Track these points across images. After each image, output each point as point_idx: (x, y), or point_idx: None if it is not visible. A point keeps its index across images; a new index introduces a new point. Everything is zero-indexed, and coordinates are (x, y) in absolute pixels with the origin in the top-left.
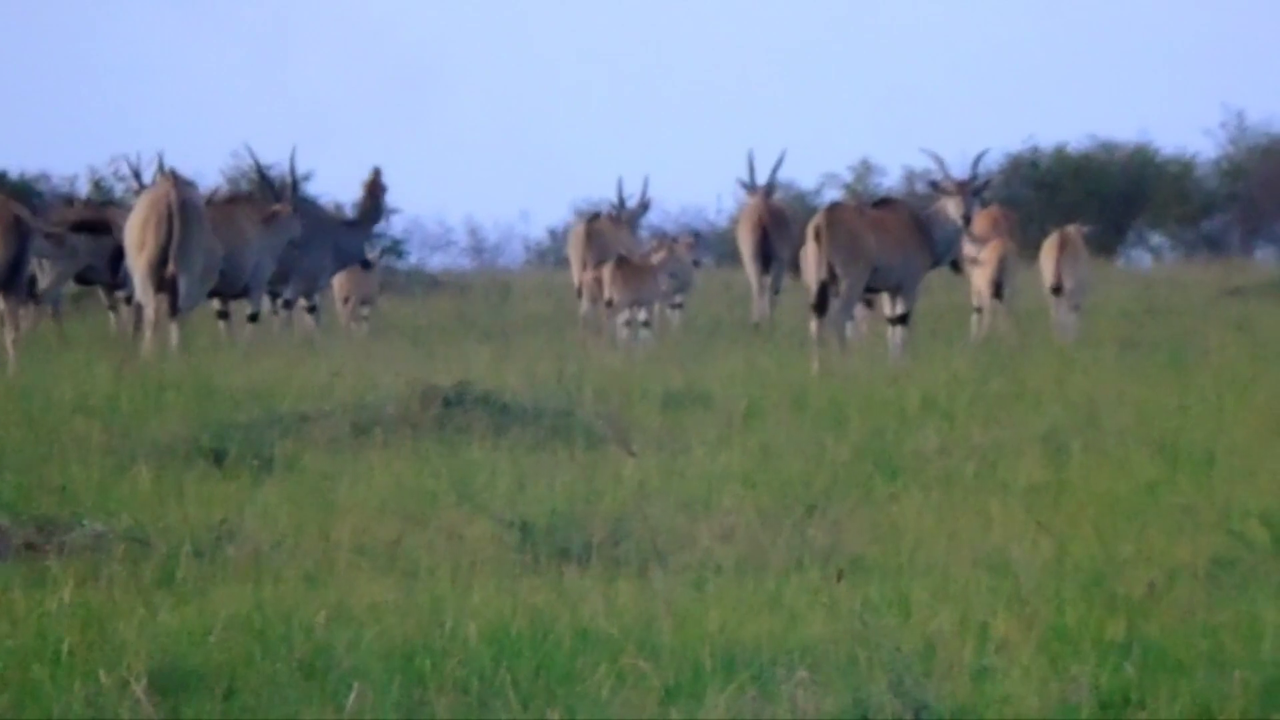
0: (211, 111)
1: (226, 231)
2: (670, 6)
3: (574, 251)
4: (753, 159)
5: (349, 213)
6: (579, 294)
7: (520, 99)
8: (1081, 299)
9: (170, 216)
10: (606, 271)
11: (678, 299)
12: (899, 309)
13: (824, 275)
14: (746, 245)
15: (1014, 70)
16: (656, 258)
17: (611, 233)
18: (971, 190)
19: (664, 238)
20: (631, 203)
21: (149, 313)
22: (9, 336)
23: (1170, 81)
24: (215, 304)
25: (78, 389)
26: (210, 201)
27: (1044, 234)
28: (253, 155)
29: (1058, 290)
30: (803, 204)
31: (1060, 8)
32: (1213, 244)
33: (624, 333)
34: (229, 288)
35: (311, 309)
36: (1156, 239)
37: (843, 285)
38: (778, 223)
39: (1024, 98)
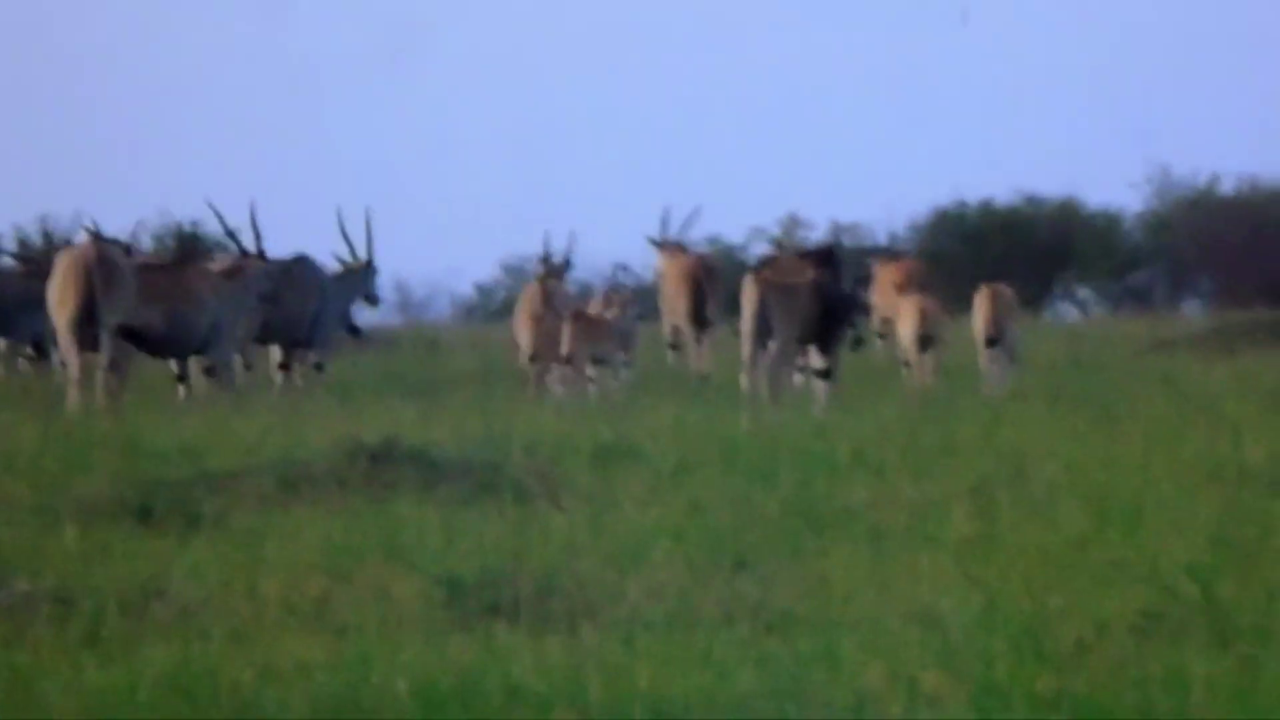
0: (135, 171)
1: (176, 294)
2: (593, 61)
3: (525, 306)
4: (667, 214)
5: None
6: (528, 349)
7: (445, 154)
8: (1014, 353)
9: (88, 274)
10: (566, 326)
11: (624, 356)
12: (823, 363)
13: (758, 328)
14: (680, 300)
15: (940, 125)
16: (610, 312)
17: (562, 289)
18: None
19: (613, 291)
20: (556, 259)
21: (73, 371)
22: None
23: (1096, 136)
24: (173, 365)
25: (2, 447)
26: (143, 262)
27: (972, 288)
28: (216, 213)
29: (992, 343)
30: (730, 258)
31: (984, 63)
32: (1139, 297)
33: (559, 389)
34: (182, 350)
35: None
36: (1083, 292)
37: (779, 338)
38: (710, 277)
39: (950, 152)
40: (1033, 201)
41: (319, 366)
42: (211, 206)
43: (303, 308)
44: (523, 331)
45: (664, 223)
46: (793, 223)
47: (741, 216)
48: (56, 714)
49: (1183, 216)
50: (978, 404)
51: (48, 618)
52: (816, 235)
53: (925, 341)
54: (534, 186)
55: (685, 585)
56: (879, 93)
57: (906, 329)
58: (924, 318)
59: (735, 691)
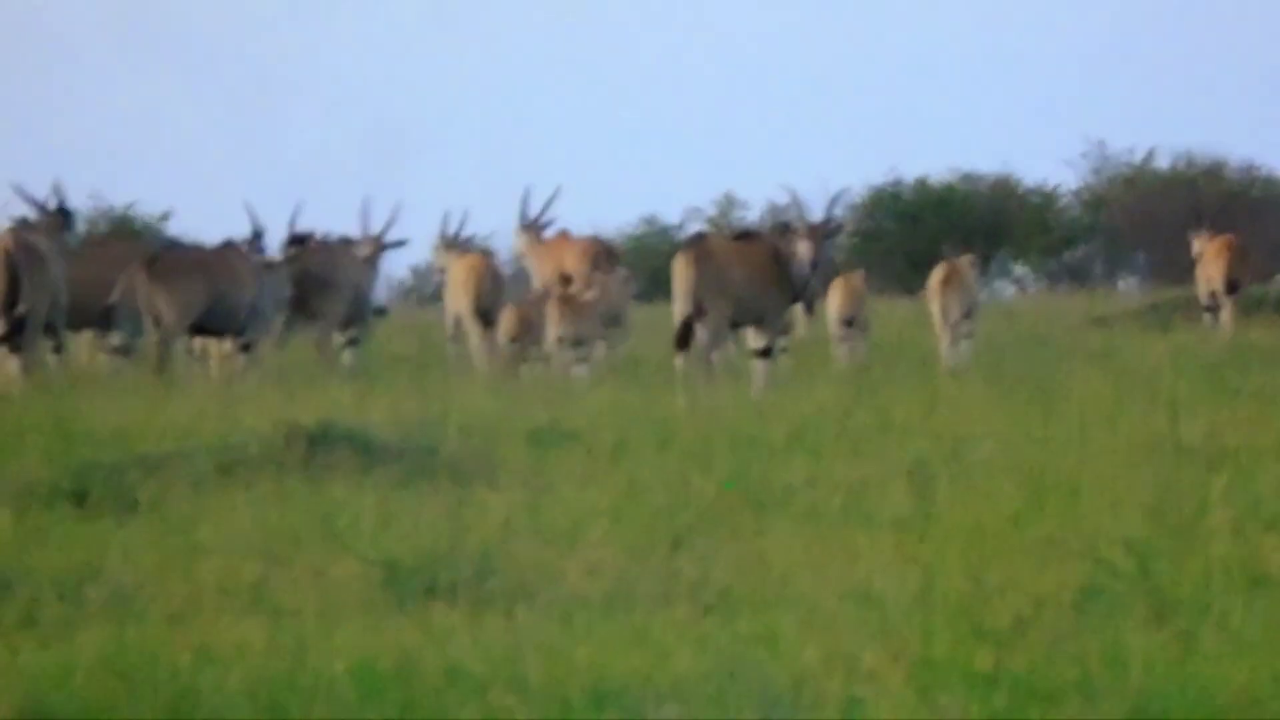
0: (71, 152)
1: (221, 275)
2: (529, 42)
3: (468, 286)
4: (528, 195)
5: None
6: (456, 328)
7: (380, 136)
8: (972, 328)
9: (10, 265)
10: (552, 307)
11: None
12: (760, 342)
13: (690, 309)
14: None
15: (876, 102)
16: (589, 294)
17: (497, 270)
18: (823, 235)
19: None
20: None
21: None
22: None
23: (1031, 112)
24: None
25: None
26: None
27: (913, 266)
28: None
29: (948, 320)
30: (666, 238)
31: (919, 40)
32: (1076, 274)
33: (525, 371)
34: (224, 328)
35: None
36: (1019, 270)
37: (709, 318)
38: (609, 258)
39: (886, 130)
40: (969, 179)
41: (354, 341)
42: (248, 208)
43: (360, 288)
44: (465, 304)
45: (524, 204)
46: (728, 202)
47: (678, 196)
48: None
49: (1119, 193)
50: (914, 383)
51: None
52: (753, 215)
53: (850, 320)
54: (472, 169)
55: (623, 565)
56: (813, 71)
57: (832, 307)
58: (849, 297)
59: (674, 671)
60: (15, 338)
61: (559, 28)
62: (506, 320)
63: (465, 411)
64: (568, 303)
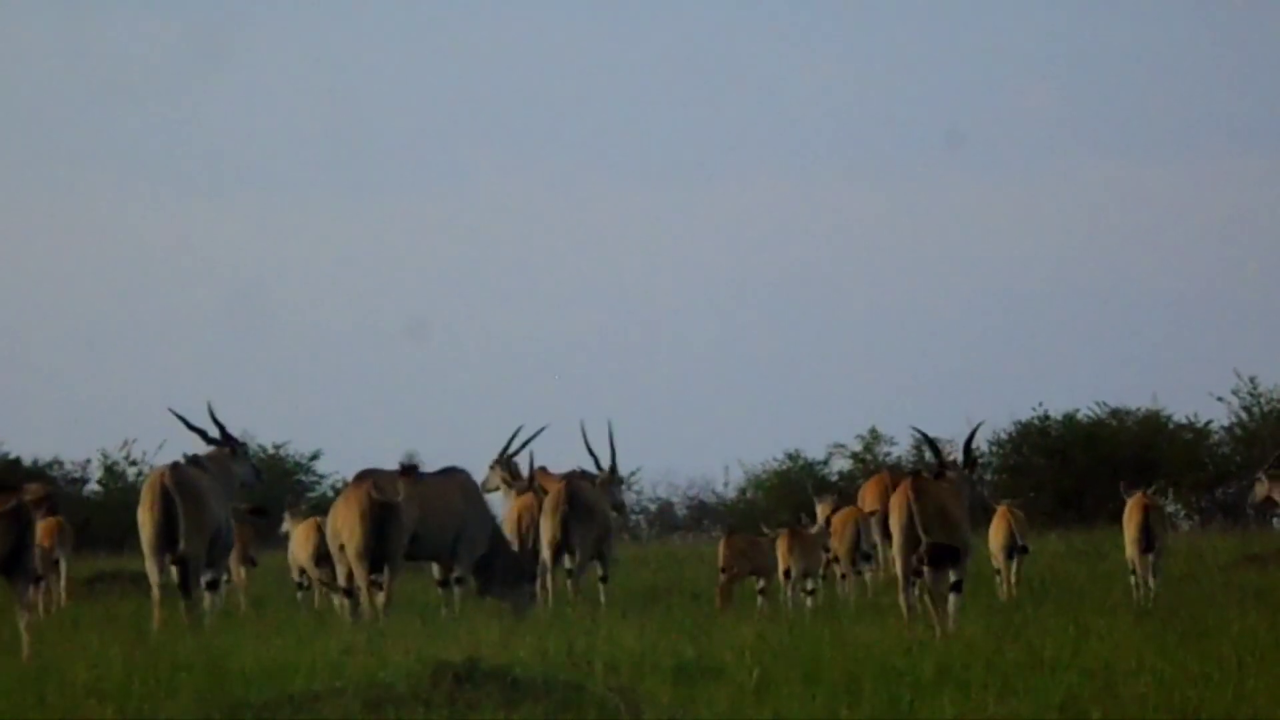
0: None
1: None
2: (648, 285)
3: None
4: (515, 434)
5: None
6: (555, 556)
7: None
8: (1161, 563)
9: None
10: (782, 541)
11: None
12: (956, 575)
13: (911, 542)
14: (546, 528)
15: (1023, 337)
16: (814, 529)
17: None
18: (970, 478)
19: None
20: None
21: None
22: (22, 620)
23: (1181, 349)
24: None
25: (91, 671)
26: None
27: (1061, 502)
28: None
29: (1146, 551)
30: (810, 473)
31: (1067, 276)
32: (1228, 511)
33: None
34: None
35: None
36: (1170, 506)
37: (926, 550)
38: (586, 496)
39: (1033, 365)
40: (1117, 414)
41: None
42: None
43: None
44: (546, 526)
45: (508, 441)
46: (874, 437)
47: (821, 431)
48: None
49: (1271, 429)
50: (1064, 619)
51: None
52: (898, 450)
53: (1013, 550)
54: (613, 396)
55: None
56: (959, 305)
57: (996, 538)
58: (1013, 527)
59: None
60: (182, 581)
61: (695, 273)
62: (720, 550)
63: (611, 646)
64: (796, 536)
